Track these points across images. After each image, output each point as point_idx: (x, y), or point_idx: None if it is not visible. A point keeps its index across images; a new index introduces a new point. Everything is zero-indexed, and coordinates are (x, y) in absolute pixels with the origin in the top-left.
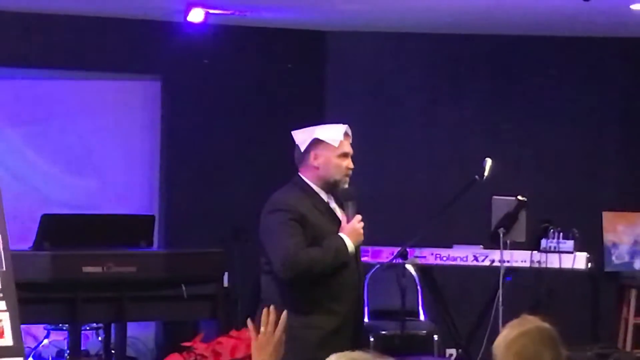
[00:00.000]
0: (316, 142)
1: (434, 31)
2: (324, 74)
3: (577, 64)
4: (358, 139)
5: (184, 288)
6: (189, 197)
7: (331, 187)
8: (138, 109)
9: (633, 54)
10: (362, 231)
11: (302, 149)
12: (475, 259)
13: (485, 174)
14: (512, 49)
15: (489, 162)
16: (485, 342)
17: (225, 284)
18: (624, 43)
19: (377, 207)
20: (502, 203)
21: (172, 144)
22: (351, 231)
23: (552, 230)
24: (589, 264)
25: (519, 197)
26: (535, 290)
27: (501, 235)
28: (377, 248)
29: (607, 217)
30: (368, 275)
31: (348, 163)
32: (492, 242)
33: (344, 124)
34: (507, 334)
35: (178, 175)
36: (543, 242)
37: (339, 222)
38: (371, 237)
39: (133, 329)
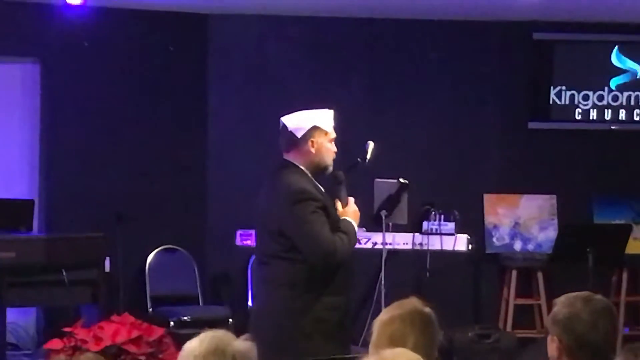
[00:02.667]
0: (313, 129)
1: (316, 14)
2: (206, 57)
3: (457, 47)
4: (241, 122)
5: (64, 273)
6: (69, 182)
7: (321, 171)
8: (17, 91)
9: (512, 37)
10: (357, 214)
11: (299, 135)
12: (358, 241)
13: (368, 156)
14: (393, 32)
15: (371, 145)
16: (368, 323)
17: (107, 269)
18: (502, 27)
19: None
20: (384, 186)
21: (52, 128)
22: (355, 215)
23: (433, 213)
24: (470, 246)
25: (401, 180)
26: (417, 272)
27: (383, 217)
28: None
29: (488, 199)
30: (252, 259)
31: (334, 148)
32: (375, 225)
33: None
34: (384, 314)
35: (58, 159)
36: (425, 224)
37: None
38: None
39: (13, 315)
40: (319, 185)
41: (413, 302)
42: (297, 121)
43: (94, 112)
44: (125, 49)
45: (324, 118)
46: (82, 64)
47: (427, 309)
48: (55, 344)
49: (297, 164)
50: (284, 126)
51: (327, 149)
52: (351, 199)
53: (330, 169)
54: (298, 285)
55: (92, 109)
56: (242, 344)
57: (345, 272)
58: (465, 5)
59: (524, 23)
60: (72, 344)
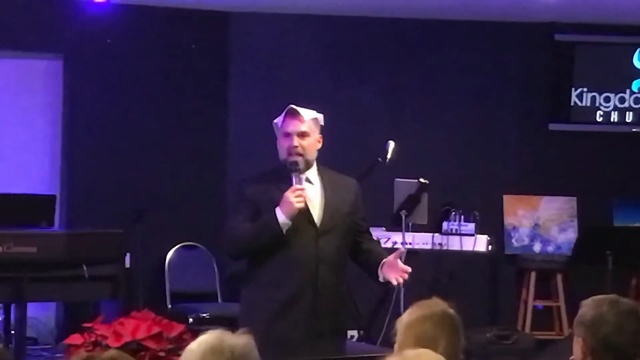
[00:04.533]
0: (274, 126)
1: (336, 13)
2: (227, 55)
3: (478, 47)
4: (260, 119)
5: (85, 268)
6: (91, 178)
7: (286, 166)
8: (40, 87)
9: (531, 37)
10: (292, 200)
11: None
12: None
13: (388, 156)
14: (413, 32)
15: (391, 144)
16: (387, 323)
17: (127, 265)
18: (524, 28)
19: None
20: (404, 186)
21: (74, 124)
22: (282, 203)
23: (453, 213)
24: (490, 247)
25: (421, 180)
26: (437, 273)
27: (403, 217)
28: None
29: (508, 200)
30: None
31: (291, 142)
32: (395, 225)
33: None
34: (411, 313)
35: (80, 155)
36: (444, 224)
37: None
38: None
39: (33, 310)
40: (293, 181)
41: (439, 304)
42: None
43: (116, 108)
44: (148, 46)
45: (281, 114)
46: (104, 60)
47: (453, 311)
48: (75, 339)
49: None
50: None
51: (280, 145)
52: (293, 187)
53: (290, 164)
54: (245, 274)
55: (113, 105)
56: (238, 338)
57: (283, 264)
58: (487, 5)
59: (546, 24)
60: (92, 339)
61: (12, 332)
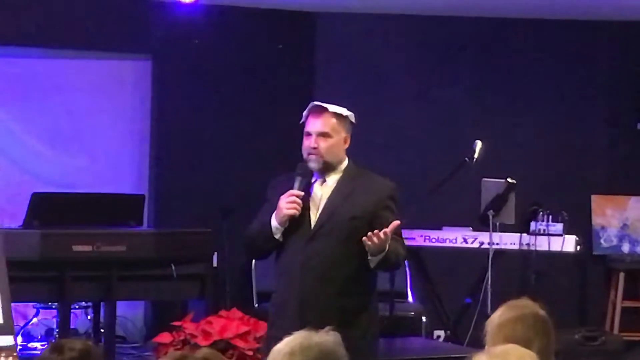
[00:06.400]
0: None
1: (424, 13)
2: (314, 55)
3: (566, 46)
4: None
5: (173, 267)
6: (179, 177)
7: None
8: (128, 88)
9: (620, 36)
10: (282, 205)
11: None
12: (465, 240)
13: (475, 156)
14: (502, 31)
15: (478, 144)
16: (474, 323)
17: (215, 264)
18: (611, 26)
19: None
20: (491, 185)
21: (162, 123)
22: (277, 208)
23: (541, 213)
24: (578, 247)
25: (509, 180)
26: (524, 273)
27: (490, 217)
28: None
29: (596, 200)
30: None
31: (310, 142)
32: (482, 224)
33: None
34: (502, 314)
35: (168, 154)
36: (532, 224)
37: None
38: None
39: (122, 308)
40: (311, 181)
41: (530, 305)
42: None
43: (203, 108)
44: (235, 46)
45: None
46: (192, 60)
47: (544, 312)
48: (164, 337)
49: None
50: None
51: (303, 143)
52: (289, 192)
53: (311, 163)
54: None
55: (201, 105)
56: (326, 335)
57: (280, 268)
58: (575, 4)
59: (634, 22)
60: (181, 338)
61: (102, 330)
